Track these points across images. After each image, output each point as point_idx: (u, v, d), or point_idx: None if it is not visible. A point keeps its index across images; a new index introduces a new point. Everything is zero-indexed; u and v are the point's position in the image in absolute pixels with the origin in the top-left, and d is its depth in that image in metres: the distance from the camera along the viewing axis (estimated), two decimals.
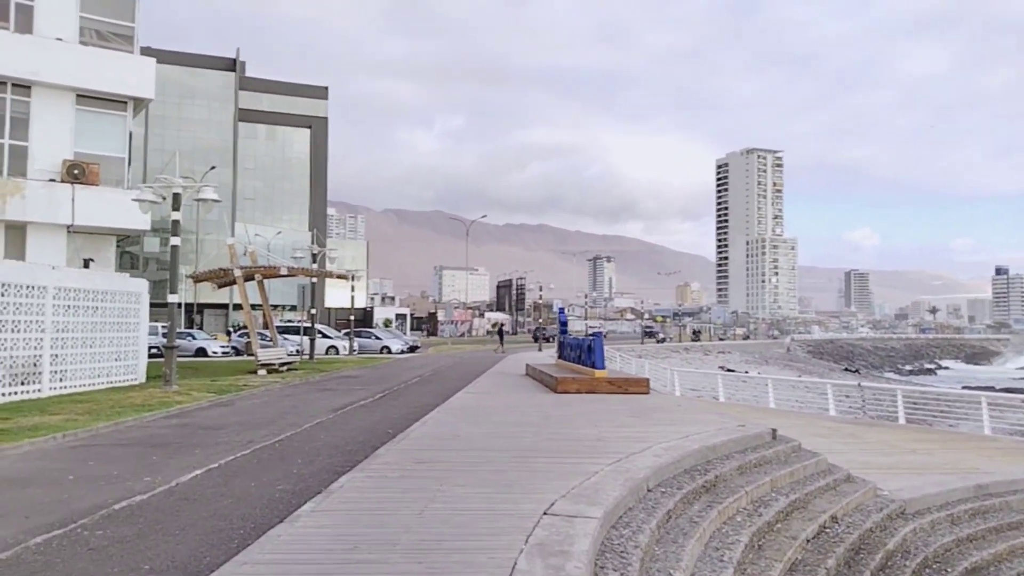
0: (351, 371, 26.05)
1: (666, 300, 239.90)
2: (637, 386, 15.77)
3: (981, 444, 14.80)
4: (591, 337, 16.76)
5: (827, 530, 8.48)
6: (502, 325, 60.70)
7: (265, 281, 26.74)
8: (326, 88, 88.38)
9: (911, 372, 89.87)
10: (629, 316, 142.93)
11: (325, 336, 42.13)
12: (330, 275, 29.19)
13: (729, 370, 38.64)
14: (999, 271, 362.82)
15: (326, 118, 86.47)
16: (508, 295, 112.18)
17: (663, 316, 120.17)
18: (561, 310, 23.50)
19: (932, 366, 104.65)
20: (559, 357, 22.17)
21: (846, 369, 72.00)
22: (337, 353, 40.48)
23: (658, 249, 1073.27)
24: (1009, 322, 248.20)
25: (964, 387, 58.61)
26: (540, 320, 54.71)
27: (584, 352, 17.42)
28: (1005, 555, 9.73)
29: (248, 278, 25.02)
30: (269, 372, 23.10)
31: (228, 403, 15.10)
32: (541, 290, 52.25)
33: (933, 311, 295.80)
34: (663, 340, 73.49)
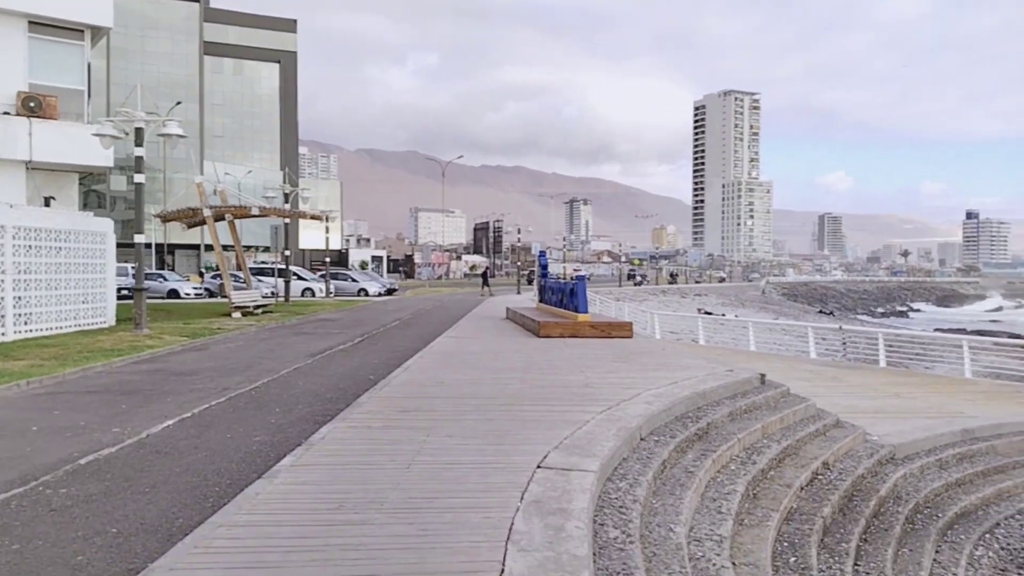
0: (328, 314, 25.61)
1: (642, 243, 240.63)
2: (620, 330, 15.53)
3: (962, 387, 14.85)
4: (574, 281, 16.43)
5: (819, 477, 8.35)
6: (487, 268, 60.09)
7: (237, 221, 25.96)
8: (295, 21, 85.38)
9: (884, 314, 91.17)
10: (606, 259, 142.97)
11: (300, 278, 41.48)
12: (303, 215, 28.39)
13: (707, 312, 38.76)
14: (969, 215, 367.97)
15: (295, 52, 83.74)
16: (485, 238, 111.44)
17: (640, 259, 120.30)
18: (542, 253, 23.09)
19: (904, 308, 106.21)
20: (540, 301, 21.88)
21: (820, 311, 72.83)
22: (313, 295, 39.91)
23: (634, 192, 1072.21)
24: (978, 265, 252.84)
25: (937, 329, 59.63)
26: (519, 263, 54.17)
27: (566, 296, 17.11)
28: (992, 499, 9.73)
29: (218, 218, 24.25)
30: (244, 315, 22.58)
31: (201, 347, 14.65)
32: (520, 232, 51.64)
33: (904, 254, 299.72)
34: (640, 282, 73.67)
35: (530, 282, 48.33)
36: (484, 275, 50.67)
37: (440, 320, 22.18)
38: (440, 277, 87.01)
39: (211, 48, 77.09)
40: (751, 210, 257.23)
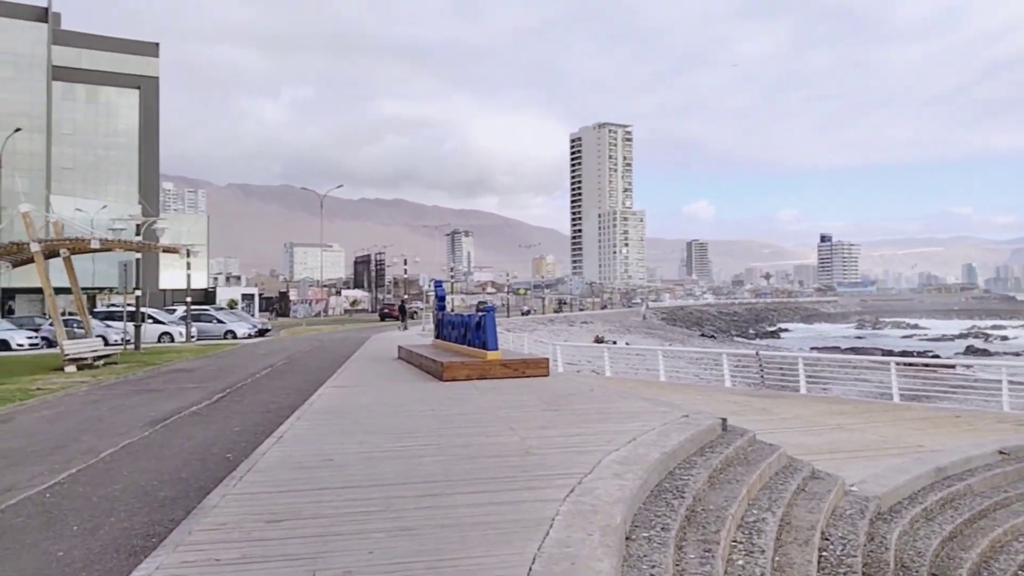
0: (186, 363, 22.18)
1: (524, 273, 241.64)
2: (535, 368, 13.53)
3: (900, 415, 13.82)
4: (481, 313, 14.31)
5: (826, 554, 6.60)
6: (403, 300, 56.40)
7: (81, 258, 22.16)
8: (156, 45, 79.55)
9: (757, 335, 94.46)
10: (491, 289, 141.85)
11: (157, 321, 37.07)
12: (153, 248, 24.77)
13: (602, 341, 37.61)
14: (823, 238, 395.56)
15: (157, 78, 77.87)
16: (367, 271, 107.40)
17: (524, 288, 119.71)
18: (439, 283, 20.85)
19: (774, 328, 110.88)
20: (436, 337, 19.60)
21: (702, 335, 74.18)
22: (172, 340, 35.67)
23: (514, 223, 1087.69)
24: (834, 285, 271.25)
25: (813, 348, 61.72)
26: (406, 296, 51.33)
27: (471, 331, 14.97)
28: (989, 553, 8.34)
29: (51, 254, 20.51)
30: (80, 368, 18.94)
31: (4, 418, 11.37)
32: (406, 263, 48.85)
33: (767, 277, 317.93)
34: (528, 312, 72.53)
35: (404, 316, 45.45)
36: (402, 308, 47.02)
37: (321, 365, 19.44)
38: (319, 314, 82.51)
39: (61, 73, 70.21)
40: (626, 239, 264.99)
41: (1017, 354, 57.14)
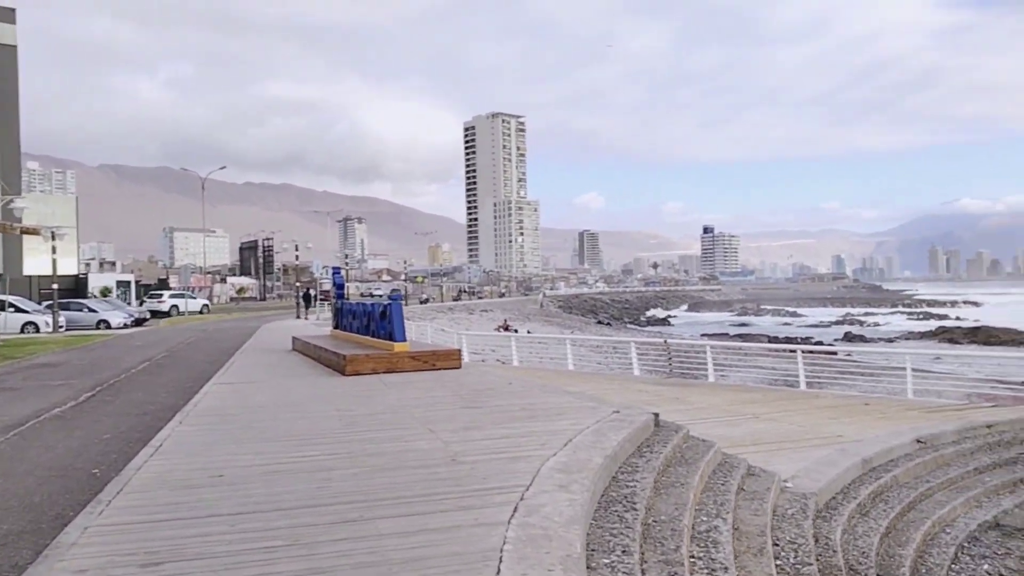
0: (51, 356, 19.91)
1: (419, 261, 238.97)
2: (447, 359, 12.68)
3: (810, 403, 13.84)
4: (388, 302, 13.28)
5: (779, 562, 6.11)
6: (308, 287, 53.77)
7: None
8: (13, 10, 72.43)
9: (648, 323, 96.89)
10: (386, 277, 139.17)
11: (19, 310, 33.63)
12: (10, 229, 22.15)
13: (506, 329, 37.10)
14: (706, 230, 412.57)
15: (15, 46, 70.95)
16: (253, 257, 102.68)
17: (422, 276, 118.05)
18: (336, 271, 19.51)
19: (664, 315, 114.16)
20: (336, 327, 18.35)
21: (599, 322, 75.24)
22: (37, 331, 32.44)
23: (408, 211, 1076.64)
24: (717, 275, 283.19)
25: (704, 335, 63.65)
26: (302, 283, 48.74)
27: (375, 321, 13.90)
28: (923, 548, 8.19)
29: None
30: None
31: None
32: (298, 249, 46.38)
33: (655, 266, 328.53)
34: (427, 300, 71.26)
35: (308, 303, 43.48)
36: (307, 295, 44.57)
37: (207, 358, 17.81)
38: None
39: None
40: (521, 228, 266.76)
41: (891, 340, 60.93)
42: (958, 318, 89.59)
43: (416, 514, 4.58)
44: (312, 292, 48.10)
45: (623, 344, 20.28)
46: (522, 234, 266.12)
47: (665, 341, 18.52)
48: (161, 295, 55.18)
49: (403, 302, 13.76)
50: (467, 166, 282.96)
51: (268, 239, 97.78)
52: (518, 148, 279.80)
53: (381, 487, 5.20)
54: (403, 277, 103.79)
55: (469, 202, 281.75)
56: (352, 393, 10.17)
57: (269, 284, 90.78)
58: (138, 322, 39.34)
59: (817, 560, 6.56)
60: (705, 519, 6.04)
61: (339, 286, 18.25)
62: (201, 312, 53.32)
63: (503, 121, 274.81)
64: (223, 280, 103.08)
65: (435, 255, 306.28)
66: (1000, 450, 10.96)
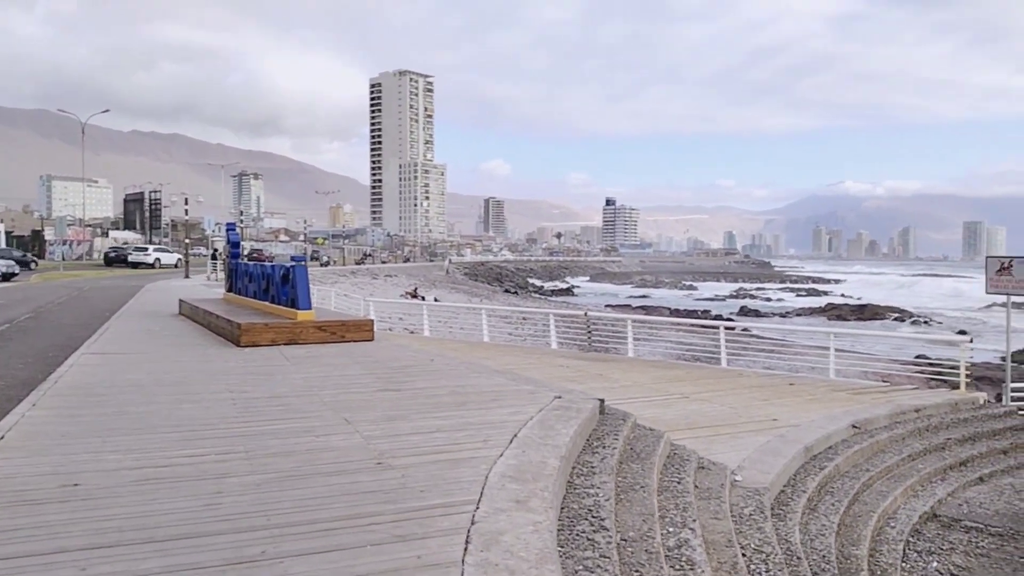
0: None
1: (320, 221, 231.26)
2: (358, 331, 11.45)
3: (736, 382, 13.46)
4: (289, 264, 11.83)
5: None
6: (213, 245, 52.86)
7: None
8: None
9: (553, 292, 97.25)
10: (284, 237, 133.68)
11: None
12: None
13: (413, 296, 35.76)
14: (608, 202, 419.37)
15: None
16: (139, 211, 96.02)
17: (322, 237, 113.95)
18: (231, 227, 17.62)
19: (567, 285, 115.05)
20: (229, 290, 16.64)
21: (506, 290, 74.71)
22: None
23: (308, 168, 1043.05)
24: (617, 246, 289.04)
25: (608, 306, 64.22)
26: (188, 239, 45.18)
27: (275, 285, 12.45)
28: (874, 545, 7.75)
29: None
30: None
31: None
32: (187, 203, 43.03)
33: (558, 236, 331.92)
34: (327, 263, 68.51)
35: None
36: (214, 253, 40.84)
37: (78, 320, 15.79)
38: (80, 257, 72.42)
39: None
40: (427, 192, 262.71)
41: (784, 315, 63.27)
42: (843, 295, 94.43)
43: (339, 548, 3.48)
44: (217, 250, 44.85)
45: (536, 315, 19.55)
46: (427, 198, 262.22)
47: (585, 314, 17.85)
48: (146, 249, 58.38)
49: (305, 264, 12.36)
50: (372, 125, 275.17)
51: (155, 192, 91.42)
52: (426, 109, 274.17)
53: (290, 505, 4.05)
54: (302, 237, 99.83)
55: (373, 162, 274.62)
56: (249, 369, 8.83)
57: (156, 240, 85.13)
58: (6, 277, 35.62)
59: (791, 569, 5.91)
60: (672, 530, 5.23)
61: (234, 244, 16.49)
62: (176, 266, 54.88)
63: (411, 80, 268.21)
64: (104, 234, 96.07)
65: (337, 216, 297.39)
66: (929, 435, 10.82)
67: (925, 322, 59.46)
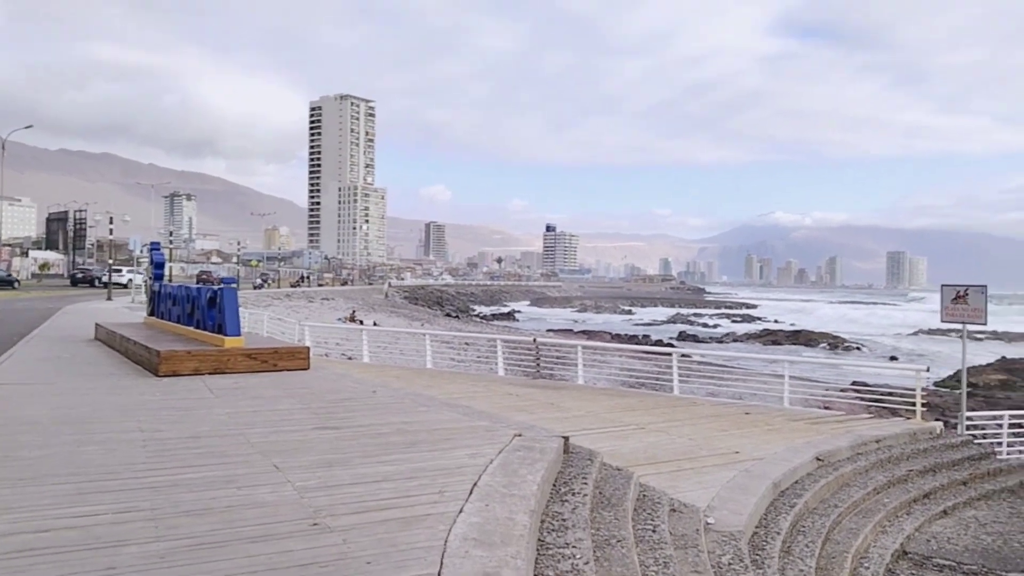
0: None
1: (254, 244, 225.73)
2: (292, 359, 10.53)
3: (691, 411, 12.96)
4: (217, 286, 10.85)
5: None
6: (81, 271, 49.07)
7: None
8: None
9: (494, 316, 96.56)
10: (216, 259, 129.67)
11: None
12: None
13: (351, 320, 34.60)
14: (548, 228, 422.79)
15: None
16: (63, 230, 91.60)
17: (257, 260, 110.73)
18: (156, 246, 16.36)
19: (507, 309, 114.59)
20: (151, 314, 15.41)
21: (447, 314, 73.67)
22: None
23: (244, 190, 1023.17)
24: (557, 271, 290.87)
25: (550, 330, 63.87)
26: (112, 260, 42.75)
27: (201, 309, 11.42)
28: None
29: None
30: None
31: None
32: (112, 223, 40.90)
33: (499, 261, 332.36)
34: (262, 286, 66.31)
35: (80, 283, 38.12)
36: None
37: None
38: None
39: None
40: (367, 215, 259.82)
41: (720, 340, 63.99)
42: (776, 320, 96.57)
43: None
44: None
45: (480, 340, 18.84)
46: (367, 221, 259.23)
47: (534, 340, 17.21)
48: (120, 270, 55.68)
49: (236, 287, 11.40)
50: (312, 148, 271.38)
51: (81, 211, 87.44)
52: (367, 133, 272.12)
53: None
54: (235, 259, 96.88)
55: (312, 185, 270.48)
56: (166, 403, 7.85)
57: (79, 260, 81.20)
58: None
59: None
60: None
61: (158, 265, 15.27)
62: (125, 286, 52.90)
63: (352, 104, 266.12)
64: (24, 254, 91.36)
65: (272, 238, 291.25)
66: (891, 467, 10.49)
67: (858, 348, 60.97)
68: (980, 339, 69.95)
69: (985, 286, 11.98)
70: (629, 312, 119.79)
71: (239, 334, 10.52)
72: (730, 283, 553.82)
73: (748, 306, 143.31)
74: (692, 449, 9.87)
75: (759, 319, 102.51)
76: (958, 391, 17.47)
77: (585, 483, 5.73)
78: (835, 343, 61.18)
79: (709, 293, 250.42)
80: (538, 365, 16.58)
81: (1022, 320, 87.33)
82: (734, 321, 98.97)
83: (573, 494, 5.42)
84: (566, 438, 6.61)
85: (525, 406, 12.76)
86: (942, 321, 12.59)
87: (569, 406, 12.98)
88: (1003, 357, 38.95)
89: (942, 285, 12.70)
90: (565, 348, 18.03)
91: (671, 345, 50.84)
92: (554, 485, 5.59)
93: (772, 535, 7.28)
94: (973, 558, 8.40)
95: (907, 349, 62.82)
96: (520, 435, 6.47)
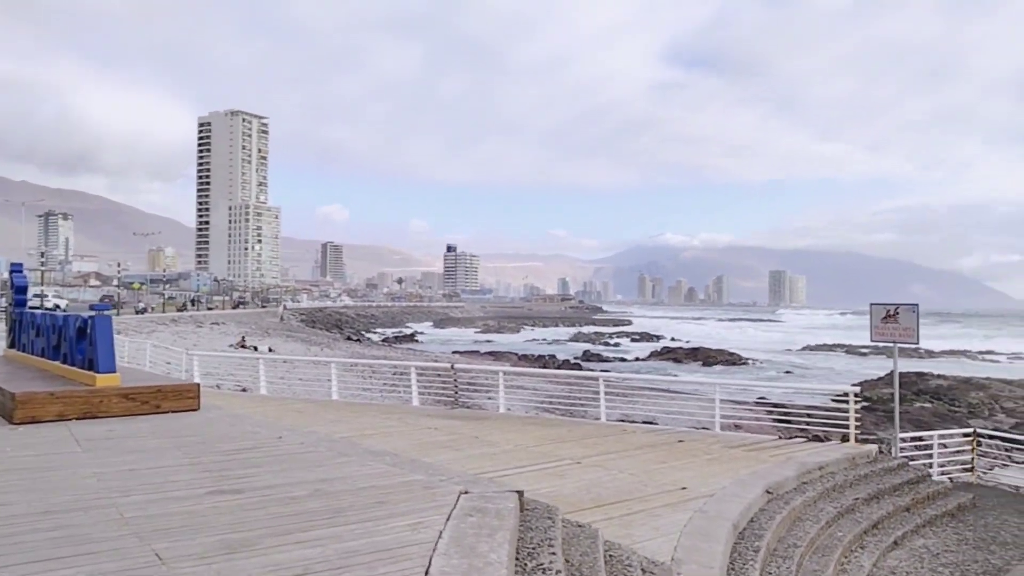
0: None
1: (137, 265, 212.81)
2: (180, 398, 9.02)
3: (623, 440, 12.25)
4: (88, 315, 9.19)
5: None
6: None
7: None
8: None
9: (397, 339, 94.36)
10: (95, 282, 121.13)
11: None
12: None
13: (246, 346, 32.33)
14: (449, 248, 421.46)
15: None
16: None
17: (140, 283, 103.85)
18: (16, 268, 14.10)
19: (410, 331, 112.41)
20: (11, 346, 13.32)
21: (348, 338, 71.10)
22: None
23: (126, 209, 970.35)
24: (459, 292, 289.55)
25: (455, 352, 62.55)
26: None
27: (69, 341, 9.71)
28: None
29: None
30: None
31: None
32: None
33: (400, 281, 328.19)
34: (144, 310, 61.87)
35: None
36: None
37: None
38: None
39: None
40: (259, 235, 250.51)
41: (623, 359, 64.54)
42: (673, 338, 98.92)
43: None
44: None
45: (384, 367, 17.55)
46: (260, 242, 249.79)
47: (452, 366, 16.09)
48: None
49: (114, 313, 9.76)
50: (200, 165, 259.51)
51: None
52: (259, 150, 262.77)
53: None
54: (116, 282, 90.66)
55: (200, 204, 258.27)
56: (19, 462, 6.31)
57: None
58: None
59: None
60: None
61: (19, 289, 13.16)
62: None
63: (244, 120, 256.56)
64: None
65: (157, 260, 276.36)
66: (837, 496, 10.02)
67: (753, 363, 62.86)
68: (864, 354, 73.77)
69: (916, 305, 11.84)
70: (532, 332, 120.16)
71: (114, 370, 8.92)
72: (624, 301, 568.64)
73: (624, 322, 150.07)
74: (636, 487, 9.06)
75: (658, 337, 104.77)
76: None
77: (553, 553, 4.72)
78: (732, 359, 62.84)
79: (606, 312, 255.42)
80: (456, 393, 15.47)
81: None
82: (633, 340, 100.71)
83: (544, 571, 4.39)
84: (520, 492, 5.57)
85: (450, 442, 11.67)
86: (872, 340, 12.38)
87: (496, 439, 11.98)
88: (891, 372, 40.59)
89: (871, 304, 12.51)
90: (485, 374, 16.98)
91: (578, 366, 50.70)
92: (517, 558, 4.55)
93: None
94: None
95: (799, 363, 65.33)
96: (467, 492, 5.39)
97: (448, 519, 4.69)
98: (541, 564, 4.49)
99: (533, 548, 4.76)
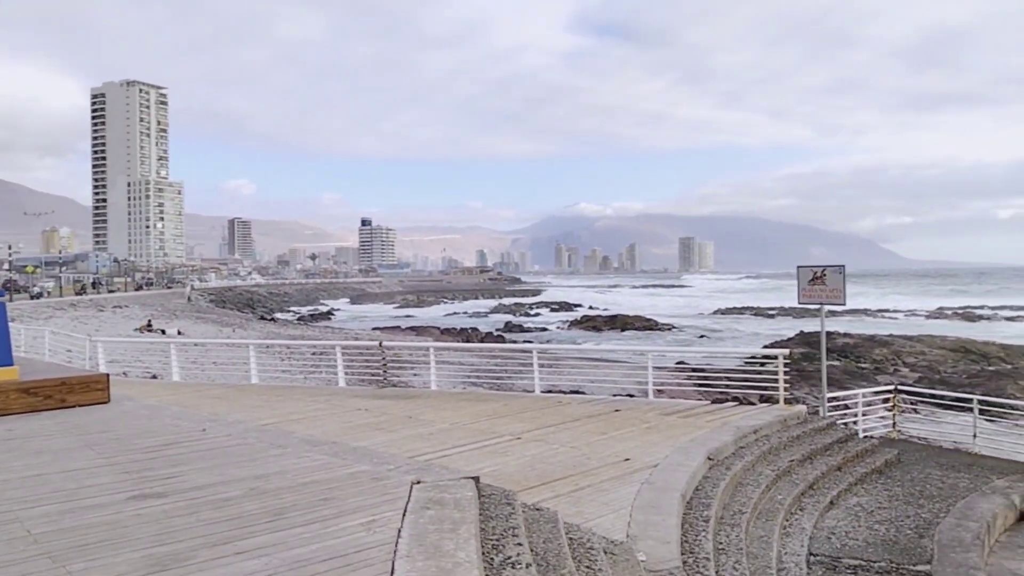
0: None
1: (30, 247, 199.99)
2: (87, 391, 8.26)
3: (562, 411, 12.17)
4: None
5: None
6: None
7: None
8: None
9: (312, 316, 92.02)
10: None
11: None
12: None
13: (149, 329, 30.67)
14: (364, 222, 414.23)
15: None
16: None
17: (34, 266, 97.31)
18: None
19: (326, 308, 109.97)
20: None
21: (261, 317, 68.78)
22: None
23: (13, 187, 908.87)
24: (375, 267, 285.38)
25: (376, 328, 61.47)
26: None
27: None
28: None
29: None
30: None
31: None
32: None
33: (313, 257, 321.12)
34: (40, 295, 58.00)
35: None
36: None
37: None
38: None
39: None
40: (161, 212, 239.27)
41: (544, 329, 64.97)
42: (591, 307, 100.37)
43: None
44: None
45: (308, 347, 16.81)
46: (162, 219, 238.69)
47: (380, 344, 15.53)
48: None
49: (7, 299, 8.88)
50: (95, 139, 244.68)
51: None
52: (159, 123, 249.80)
53: None
54: (7, 266, 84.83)
55: (96, 180, 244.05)
56: None
57: None
58: None
59: None
60: None
61: None
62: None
63: (141, 91, 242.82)
64: None
65: (52, 241, 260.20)
66: (773, 459, 10.15)
67: (669, 329, 64.40)
68: (772, 315, 76.73)
69: (843, 266, 12.08)
70: (452, 305, 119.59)
71: (12, 363, 8.06)
72: (542, 271, 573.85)
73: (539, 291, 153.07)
74: (580, 460, 8.90)
75: (577, 306, 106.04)
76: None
77: (519, 544, 4.41)
78: (649, 325, 64.17)
79: (524, 283, 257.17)
80: (385, 373, 14.97)
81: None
82: (553, 310, 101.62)
83: (513, 566, 4.08)
84: (476, 479, 5.24)
85: (382, 423, 11.23)
86: (799, 303, 12.58)
87: (431, 418, 11.61)
88: (801, 332, 42.28)
89: (798, 267, 12.70)
90: (412, 351, 16.52)
91: (501, 339, 50.67)
92: (483, 552, 4.22)
93: (702, 561, 6.40)
94: (879, 553, 8.08)
95: (713, 327, 67.36)
96: (419, 482, 5.02)
97: (404, 514, 4.32)
98: (509, 557, 4.19)
99: (497, 539, 4.45)
